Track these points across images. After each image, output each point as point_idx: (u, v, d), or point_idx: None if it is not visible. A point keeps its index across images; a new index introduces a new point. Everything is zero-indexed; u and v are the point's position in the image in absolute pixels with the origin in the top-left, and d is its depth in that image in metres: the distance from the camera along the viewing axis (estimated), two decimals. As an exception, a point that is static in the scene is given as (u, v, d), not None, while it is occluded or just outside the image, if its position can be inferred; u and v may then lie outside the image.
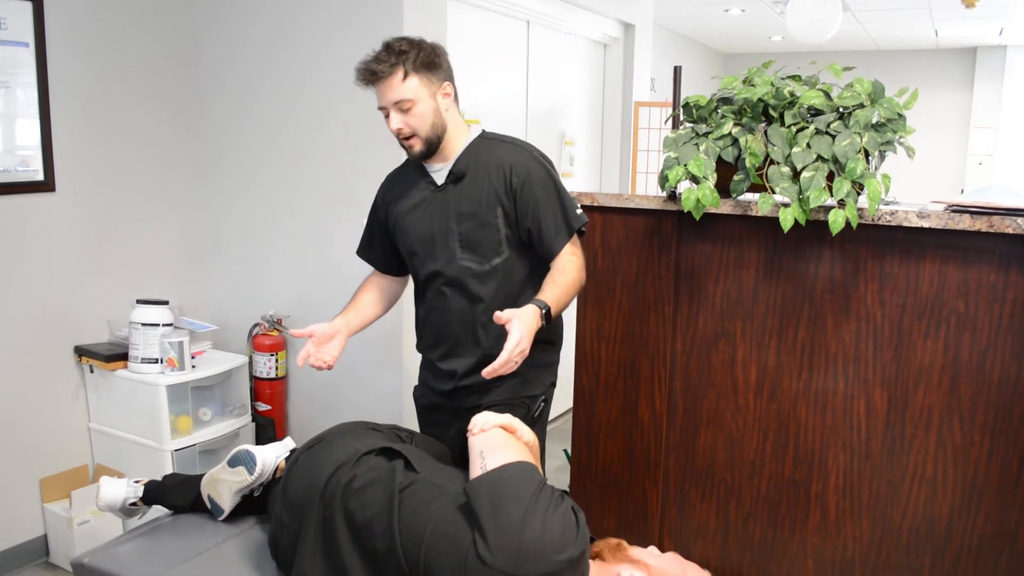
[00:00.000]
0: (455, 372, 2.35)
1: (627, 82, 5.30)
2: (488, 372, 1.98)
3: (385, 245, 2.49)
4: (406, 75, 2.17)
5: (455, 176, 2.29)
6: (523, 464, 1.78)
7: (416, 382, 2.56)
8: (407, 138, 2.23)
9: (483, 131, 2.39)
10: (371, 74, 2.18)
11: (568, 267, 2.24)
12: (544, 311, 2.10)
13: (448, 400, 2.40)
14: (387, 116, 2.24)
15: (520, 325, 1.99)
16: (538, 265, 2.33)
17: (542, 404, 2.42)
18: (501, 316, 2.01)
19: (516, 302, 2.24)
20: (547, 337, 2.33)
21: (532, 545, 1.64)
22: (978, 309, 2.14)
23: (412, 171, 2.41)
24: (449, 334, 2.35)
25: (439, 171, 2.33)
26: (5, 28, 3.03)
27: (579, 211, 2.31)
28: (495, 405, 2.26)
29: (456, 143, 2.31)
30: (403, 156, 2.41)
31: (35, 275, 3.24)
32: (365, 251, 2.56)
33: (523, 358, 2.01)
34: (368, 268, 2.57)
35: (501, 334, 2.17)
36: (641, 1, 5.27)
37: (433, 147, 2.26)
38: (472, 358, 2.32)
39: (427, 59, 2.21)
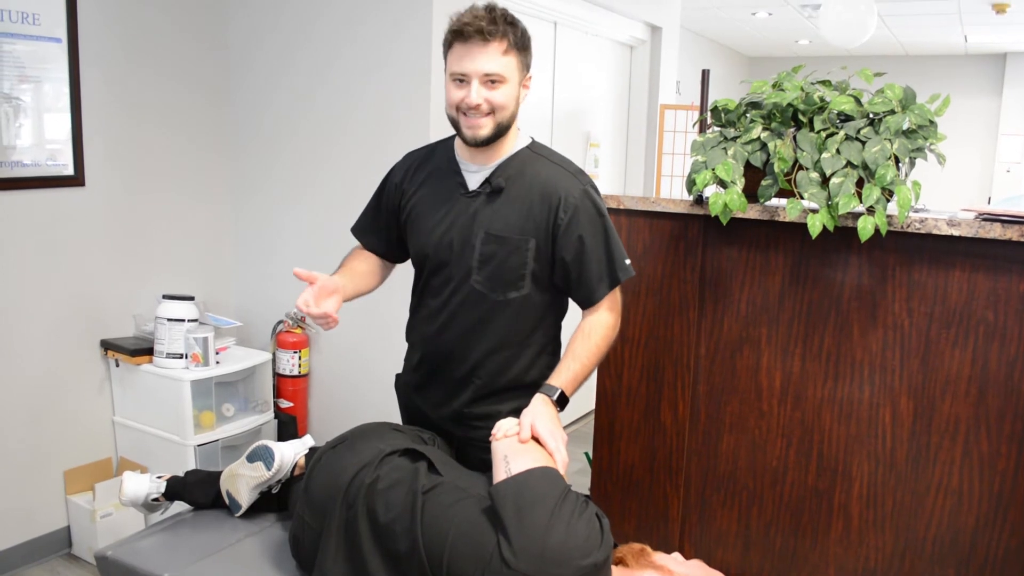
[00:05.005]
0: (451, 405, 2.17)
1: (653, 84, 5.28)
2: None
3: (391, 232, 2.25)
4: (508, 48, 1.93)
5: (492, 188, 2.05)
6: (548, 469, 1.78)
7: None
8: (480, 115, 1.96)
9: (532, 140, 2.14)
10: (478, 33, 1.89)
11: (596, 330, 2.06)
12: (556, 396, 1.98)
13: (441, 423, 2.22)
14: (458, 84, 1.96)
15: (544, 429, 1.89)
16: (556, 303, 2.16)
17: None
18: (522, 431, 1.89)
19: (525, 341, 2.11)
20: (551, 349, 2.20)
21: (556, 549, 1.63)
22: (1007, 319, 2.12)
23: (440, 163, 2.15)
24: (442, 359, 2.16)
25: (475, 173, 2.08)
26: (38, 24, 3.06)
27: (627, 261, 2.09)
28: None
29: (506, 146, 2.06)
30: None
31: (63, 268, 3.27)
32: (363, 233, 2.30)
33: (564, 439, 1.92)
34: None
35: (499, 371, 2.11)
36: (669, 4, 5.25)
37: (500, 135, 2.00)
38: (464, 396, 2.15)
39: (526, 41, 1.99)
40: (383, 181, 2.27)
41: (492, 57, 1.91)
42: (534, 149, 2.11)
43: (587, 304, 2.09)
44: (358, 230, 2.32)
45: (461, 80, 1.95)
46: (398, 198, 2.21)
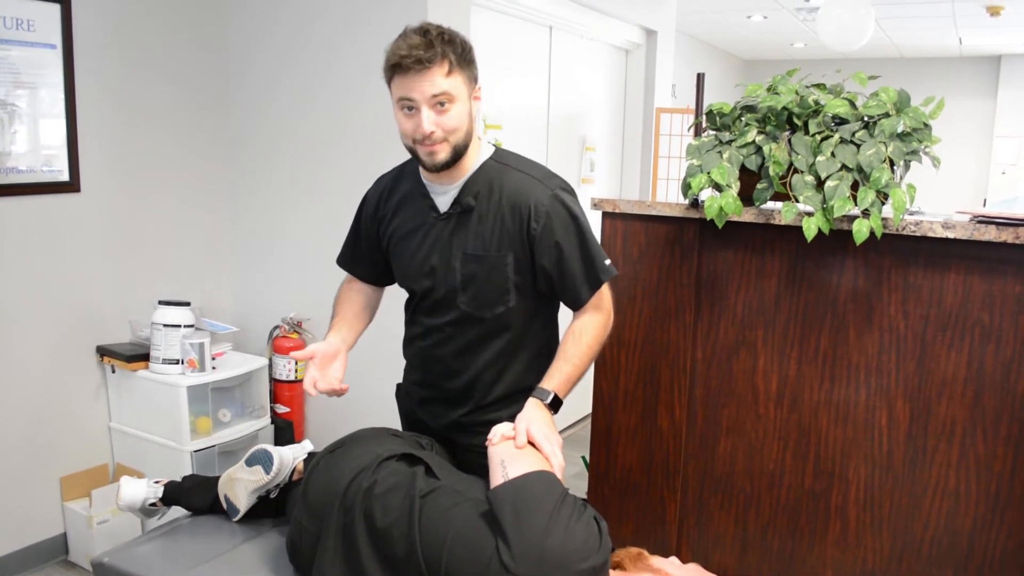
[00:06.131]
0: (451, 416, 2.18)
1: (649, 88, 5.29)
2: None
3: (375, 258, 2.25)
4: (451, 68, 1.87)
5: (462, 208, 2.02)
6: (545, 473, 1.78)
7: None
8: (435, 143, 1.91)
9: (496, 149, 2.10)
10: (416, 62, 1.83)
11: (586, 330, 2.05)
12: (549, 400, 1.97)
13: (443, 432, 2.22)
14: (407, 112, 1.91)
15: (539, 433, 1.88)
16: (546, 305, 2.14)
17: None
18: (518, 437, 1.87)
19: (520, 348, 2.11)
20: (547, 351, 2.16)
21: (555, 553, 1.63)
22: (1003, 321, 2.12)
23: (409, 187, 2.13)
24: (439, 377, 2.18)
25: (443, 194, 2.05)
26: (32, 30, 3.06)
27: (607, 262, 2.05)
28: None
29: (469, 161, 2.02)
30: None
31: (59, 275, 3.26)
32: (349, 264, 2.31)
33: (560, 442, 1.91)
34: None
35: (496, 381, 2.11)
36: (664, 7, 5.26)
37: (459, 156, 1.96)
38: (464, 407, 2.15)
39: (468, 54, 1.94)
40: (359, 211, 2.26)
41: (436, 81, 1.86)
42: (499, 159, 2.06)
43: (574, 307, 2.08)
44: (344, 261, 2.32)
45: (410, 107, 1.90)
46: (376, 227, 2.20)
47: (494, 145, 2.12)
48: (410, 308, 2.23)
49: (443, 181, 2.04)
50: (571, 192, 2.07)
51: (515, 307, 2.06)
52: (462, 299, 2.05)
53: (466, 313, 2.06)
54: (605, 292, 2.08)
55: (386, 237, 2.17)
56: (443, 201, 2.06)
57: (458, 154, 1.96)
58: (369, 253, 2.25)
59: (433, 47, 1.85)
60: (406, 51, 1.85)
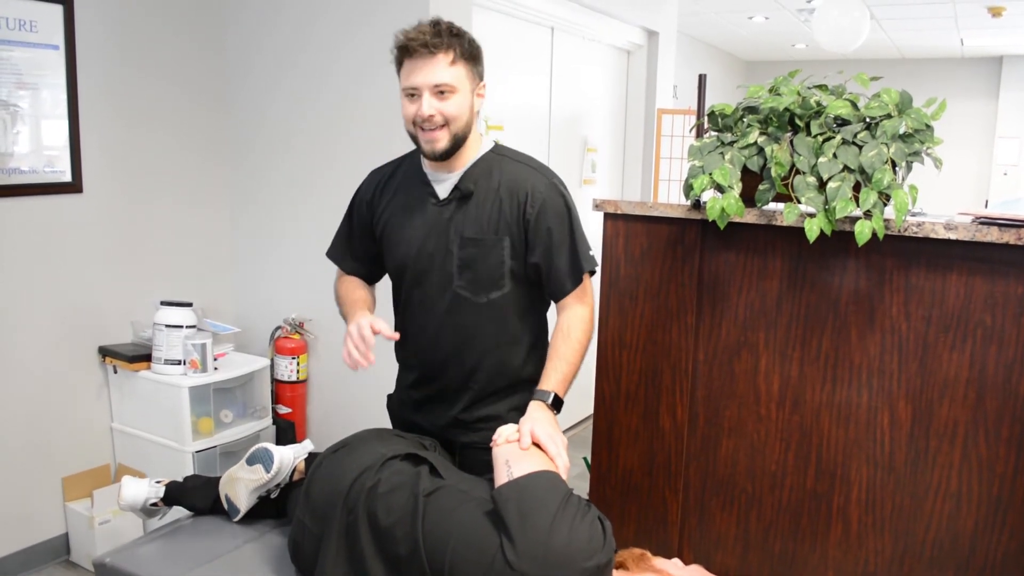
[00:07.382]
0: (449, 414, 2.20)
1: (650, 89, 5.29)
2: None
3: (368, 251, 2.29)
4: (455, 59, 1.98)
5: (462, 193, 2.09)
6: (549, 473, 1.79)
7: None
8: (435, 128, 2.00)
9: (496, 143, 2.19)
10: (423, 46, 1.94)
11: (574, 325, 2.11)
12: (550, 400, 2.02)
13: (441, 433, 2.23)
14: (411, 99, 2.00)
15: (543, 433, 1.91)
16: (538, 299, 2.21)
17: None
18: (522, 439, 1.90)
19: (517, 339, 2.16)
20: (542, 343, 2.23)
21: (559, 551, 1.64)
22: (1005, 322, 2.12)
23: (408, 176, 2.20)
24: (437, 370, 2.19)
25: (443, 182, 2.12)
26: (35, 31, 3.06)
27: (591, 252, 2.15)
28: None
29: (469, 152, 2.11)
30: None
31: (61, 276, 3.27)
32: (341, 259, 2.34)
33: (564, 442, 1.94)
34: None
35: (495, 372, 2.14)
36: (665, 9, 5.26)
37: (457, 146, 2.04)
38: (462, 402, 2.18)
39: (475, 51, 2.04)
40: (351, 203, 2.31)
41: (440, 68, 1.96)
42: (498, 151, 2.16)
43: (559, 296, 2.14)
44: (336, 256, 2.36)
45: (413, 94, 1.99)
46: (370, 216, 2.25)
47: (495, 142, 2.19)
48: (400, 307, 2.25)
49: (444, 169, 2.11)
50: (565, 186, 2.16)
51: (509, 293, 2.11)
52: (459, 283, 2.10)
53: (463, 298, 2.10)
54: (588, 284, 2.15)
55: (380, 222, 2.22)
56: (443, 188, 2.13)
57: (457, 143, 2.04)
58: (361, 244, 2.29)
59: (441, 36, 1.96)
60: (414, 35, 1.96)
